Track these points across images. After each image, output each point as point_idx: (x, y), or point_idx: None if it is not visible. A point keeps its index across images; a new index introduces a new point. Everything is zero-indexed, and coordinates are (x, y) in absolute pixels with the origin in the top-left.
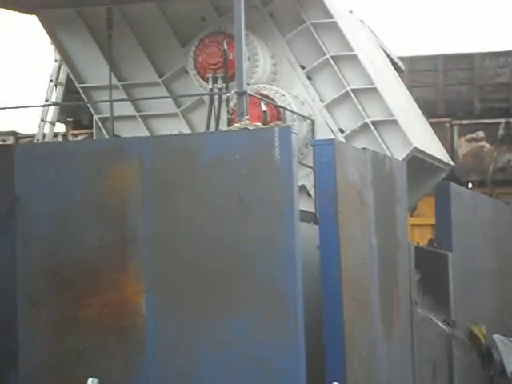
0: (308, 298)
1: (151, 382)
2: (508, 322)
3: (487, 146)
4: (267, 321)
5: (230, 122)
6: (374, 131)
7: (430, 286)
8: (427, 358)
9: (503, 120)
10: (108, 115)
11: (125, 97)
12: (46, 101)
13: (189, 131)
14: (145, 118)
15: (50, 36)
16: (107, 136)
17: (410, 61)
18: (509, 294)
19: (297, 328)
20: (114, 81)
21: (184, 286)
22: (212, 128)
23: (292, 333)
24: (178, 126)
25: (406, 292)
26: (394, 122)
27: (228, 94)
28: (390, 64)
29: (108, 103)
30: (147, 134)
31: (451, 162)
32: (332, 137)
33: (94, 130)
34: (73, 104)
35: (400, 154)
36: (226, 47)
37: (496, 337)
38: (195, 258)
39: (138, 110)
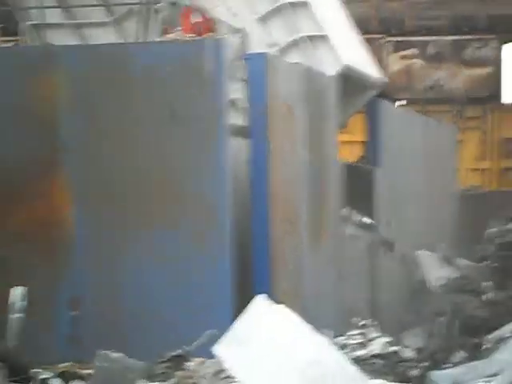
0: (237, 212)
1: (78, 292)
2: (436, 243)
3: (419, 63)
4: (196, 233)
5: (162, 33)
6: (307, 46)
7: (358, 202)
8: (353, 272)
9: (434, 38)
10: (38, 22)
11: (56, 3)
12: None
13: (121, 41)
14: (76, 27)
15: None
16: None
17: None
18: (436, 211)
19: (225, 241)
20: None
21: (113, 198)
22: (144, 38)
23: (220, 246)
24: (110, 36)
25: (334, 208)
26: (326, 38)
27: (160, 4)
28: None
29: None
30: (79, 42)
31: (383, 79)
32: (264, 50)
33: (23, 38)
34: (0, 10)
35: (332, 70)
36: None
37: (420, 252)
38: (125, 169)
39: (69, 18)
